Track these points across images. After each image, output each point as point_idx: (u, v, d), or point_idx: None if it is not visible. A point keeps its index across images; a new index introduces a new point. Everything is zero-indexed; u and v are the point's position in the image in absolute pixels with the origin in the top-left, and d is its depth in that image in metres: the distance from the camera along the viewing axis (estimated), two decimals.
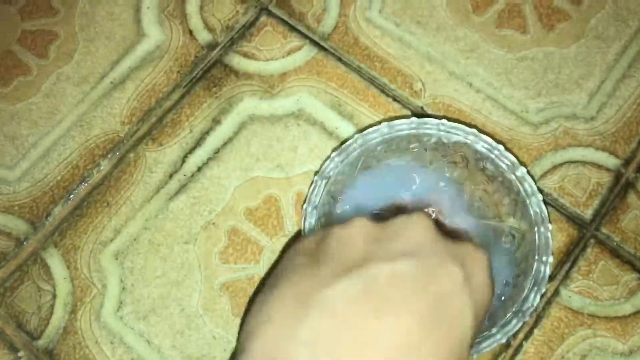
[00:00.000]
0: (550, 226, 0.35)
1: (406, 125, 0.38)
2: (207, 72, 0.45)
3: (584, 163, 0.43)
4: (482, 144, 0.37)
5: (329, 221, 0.38)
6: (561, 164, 0.43)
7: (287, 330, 0.23)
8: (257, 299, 0.26)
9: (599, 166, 0.43)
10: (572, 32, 0.46)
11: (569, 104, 0.44)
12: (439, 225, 0.31)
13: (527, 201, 0.36)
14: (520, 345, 0.39)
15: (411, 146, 0.39)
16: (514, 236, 0.37)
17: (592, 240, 0.41)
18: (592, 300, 0.40)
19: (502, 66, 0.45)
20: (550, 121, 0.44)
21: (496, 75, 0.45)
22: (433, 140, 0.38)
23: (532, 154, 0.43)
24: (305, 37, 0.46)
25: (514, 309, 0.34)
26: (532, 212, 0.36)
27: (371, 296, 0.23)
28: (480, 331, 0.31)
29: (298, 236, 0.41)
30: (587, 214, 0.42)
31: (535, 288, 0.34)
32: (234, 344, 0.39)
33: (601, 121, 0.44)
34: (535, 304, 0.34)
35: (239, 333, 0.38)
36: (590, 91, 0.45)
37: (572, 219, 0.42)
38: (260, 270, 0.41)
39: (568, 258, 0.41)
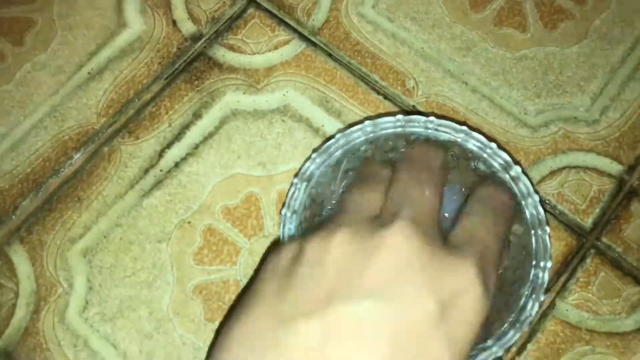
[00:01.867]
0: (548, 229, 0.32)
1: (391, 124, 0.35)
2: (190, 64, 0.43)
3: (584, 169, 0.40)
4: (474, 142, 0.34)
5: (311, 226, 0.35)
6: (560, 169, 0.40)
7: None
8: (224, 327, 0.26)
9: (600, 172, 0.40)
10: (574, 32, 0.44)
11: (570, 106, 0.42)
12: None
13: (523, 202, 0.33)
14: None
15: (397, 145, 0.36)
16: (508, 240, 0.35)
17: (592, 251, 0.39)
18: (591, 315, 0.37)
19: (499, 65, 0.43)
20: (550, 124, 0.42)
21: (493, 74, 0.43)
22: (420, 139, 0.36)
23: (530, 158, 0.41)
24: (294, 30, 0.44)
25: (510, 319, 0.31)
26: (528, 214, 0.33)
27: (328, 346, 0.22)
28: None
29: (278, 242, 0.38)
30: (588, 222, 0.39)
31: (533, 296, 0.31)
32: (204, 350, 0.37)
33: (604, 125, 0.41)
34: (533, 314, 0.31)
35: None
36: (593, 94, 0.42)
37: (571, 227, 0.39)
38: (236, 273, 0.38)
39: (566, 269, 0.38)
